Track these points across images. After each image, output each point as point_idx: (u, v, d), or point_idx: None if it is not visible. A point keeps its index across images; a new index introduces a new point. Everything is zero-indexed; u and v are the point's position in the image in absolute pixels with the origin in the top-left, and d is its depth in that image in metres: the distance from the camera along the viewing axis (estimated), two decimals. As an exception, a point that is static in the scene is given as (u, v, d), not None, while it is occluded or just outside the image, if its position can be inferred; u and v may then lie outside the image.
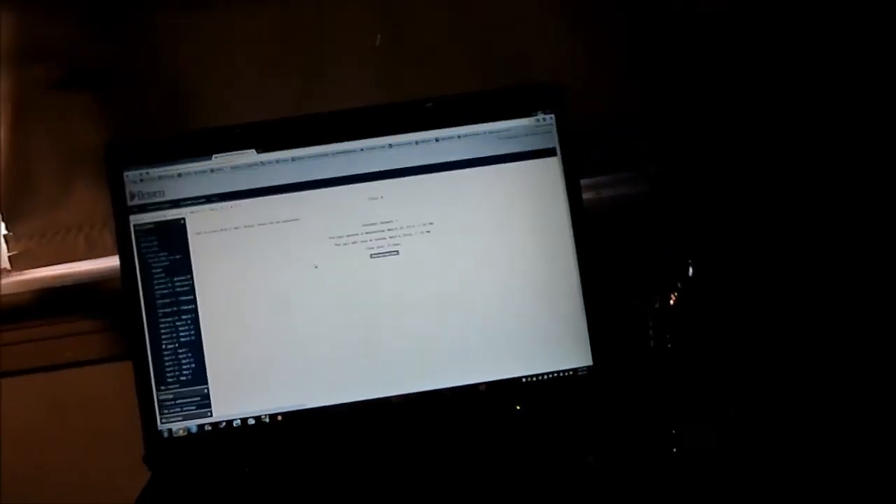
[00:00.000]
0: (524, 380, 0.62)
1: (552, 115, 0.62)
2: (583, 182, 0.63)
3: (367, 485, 0.55)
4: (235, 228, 0.61)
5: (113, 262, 0.73)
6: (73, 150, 0.73)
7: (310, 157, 0.61)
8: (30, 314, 0.71)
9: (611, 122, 0.74)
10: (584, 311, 0.62)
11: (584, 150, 0.63)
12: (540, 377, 0.62)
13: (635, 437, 0.57)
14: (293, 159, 0.61)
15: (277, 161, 0.61)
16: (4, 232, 0.75)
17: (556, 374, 0.62)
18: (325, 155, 0.61)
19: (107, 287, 0.70)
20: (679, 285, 0.54)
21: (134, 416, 0.61)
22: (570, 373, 0.62)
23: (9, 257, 0.75)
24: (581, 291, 0.62)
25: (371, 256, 0.61)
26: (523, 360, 0.62)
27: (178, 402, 0.60)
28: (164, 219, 0.60)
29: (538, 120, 0.62)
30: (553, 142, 0.62)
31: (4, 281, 0.74)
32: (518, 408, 0.62)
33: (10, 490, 0.74)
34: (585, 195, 0.63)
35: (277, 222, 0.61)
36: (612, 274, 0.63)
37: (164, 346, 0.60)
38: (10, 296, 0.70)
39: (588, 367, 0.62)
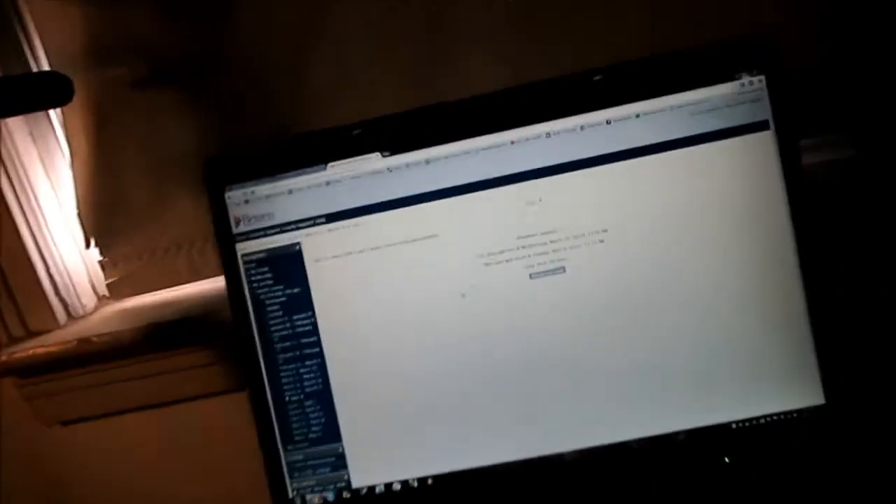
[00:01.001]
0: (734, 426, 0.48)
1: (762, 77, 0.46)
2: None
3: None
4: (361, 252, 0.49)
5: (219, 283, 0.65)
6: (164, 158, 0.63)
7: (447, 156, 0.48)
8: (136, 350, 0.63)
9: (814, 78, 0.57)
10: (811, 332, 0.47)
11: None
12: (754, 422, 0.48)
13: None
14: (427, 161, 0.48)
15: (408, 165, 0.48)
16: (99, 258, 0.66)
17: (774, 418, 0.48)
18: (467, 153, 0.48)
19: (215, 313, 0.61)
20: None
21: (252, 448, 0.52)
22: (794, 415, 0.48)
23: (107, 285, 0.67)
24: (806, 307, 0.47)
25: (531, 277, 0.48)
26: (731, 400, 0.48)
27: (309, 463, 0.50)
28: (276, 245, 0.49)
29: (743, 84, 0.47)
30: (765, 112, 0.47)
31: (106, 310, 0.67)
32: (727, 461, 0.48)
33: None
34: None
35: (412, 241, 0.49)
36: (847, 280, 0.48)
37: (287, 399, 0.50)
38: (112, 333, 0.62)
39: (818, 408, 0.47)
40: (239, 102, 0.61)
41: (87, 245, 0.65)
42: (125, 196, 0.64)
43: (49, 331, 0.64)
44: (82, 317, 0.66)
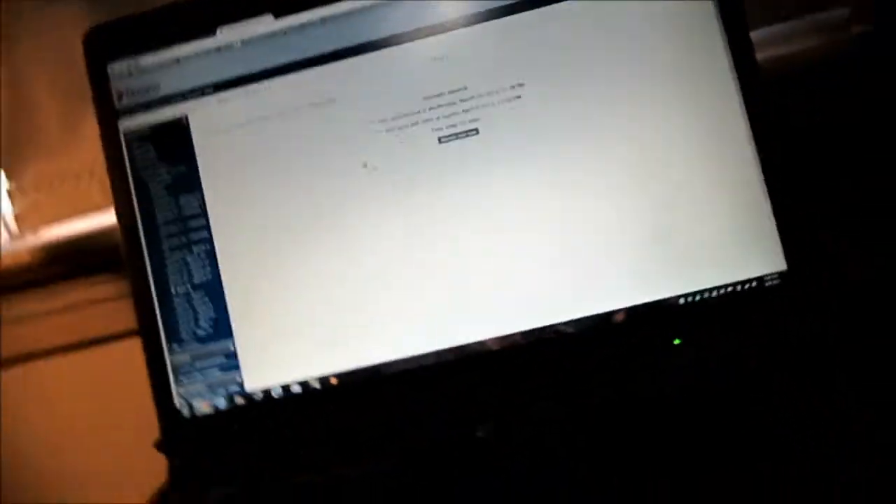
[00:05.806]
0: (682, 300, 0.41)
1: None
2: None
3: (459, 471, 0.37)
4: (253, 122, 0.44)
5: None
6: (75, 77, 0.59)
7: (345, 14, 0.44)
8: (45, 281, 0.58)
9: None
10: (768, 199, 0.41)
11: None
12: (705, 295, 0.41)
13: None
14: (322, 21, 0.44)
15: (302, 26, 0.44)
16: (7, 187, 0.62)
17: (730, 288, 0.41)
18: (366, 9, 0.43)
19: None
20: None
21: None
22: (753, 284, 0.41)
23: (15, 216, 0.62)
24: (762, 175, 0.41)
25: (440, 141, 0.43)
26: (679, 273, 0.41)
27: (196, 365, 0.44)
28: (161, 119, 0.45)
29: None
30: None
31: (14, 246, 0.62)
32: (677, 342, 0.42)
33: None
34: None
35: (308, 106, 0.44)
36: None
37: (174, 291, 0.44)
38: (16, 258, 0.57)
39: (780, 274, 0.41)
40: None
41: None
42: (35, 118, 0.60)
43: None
44: (-11, 253, 0.62)
